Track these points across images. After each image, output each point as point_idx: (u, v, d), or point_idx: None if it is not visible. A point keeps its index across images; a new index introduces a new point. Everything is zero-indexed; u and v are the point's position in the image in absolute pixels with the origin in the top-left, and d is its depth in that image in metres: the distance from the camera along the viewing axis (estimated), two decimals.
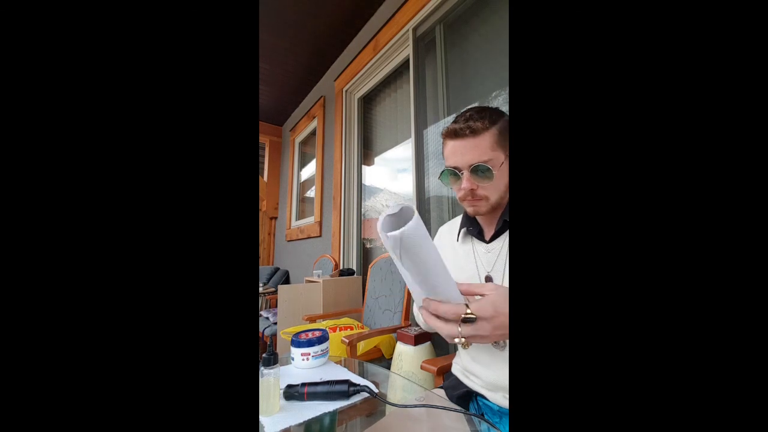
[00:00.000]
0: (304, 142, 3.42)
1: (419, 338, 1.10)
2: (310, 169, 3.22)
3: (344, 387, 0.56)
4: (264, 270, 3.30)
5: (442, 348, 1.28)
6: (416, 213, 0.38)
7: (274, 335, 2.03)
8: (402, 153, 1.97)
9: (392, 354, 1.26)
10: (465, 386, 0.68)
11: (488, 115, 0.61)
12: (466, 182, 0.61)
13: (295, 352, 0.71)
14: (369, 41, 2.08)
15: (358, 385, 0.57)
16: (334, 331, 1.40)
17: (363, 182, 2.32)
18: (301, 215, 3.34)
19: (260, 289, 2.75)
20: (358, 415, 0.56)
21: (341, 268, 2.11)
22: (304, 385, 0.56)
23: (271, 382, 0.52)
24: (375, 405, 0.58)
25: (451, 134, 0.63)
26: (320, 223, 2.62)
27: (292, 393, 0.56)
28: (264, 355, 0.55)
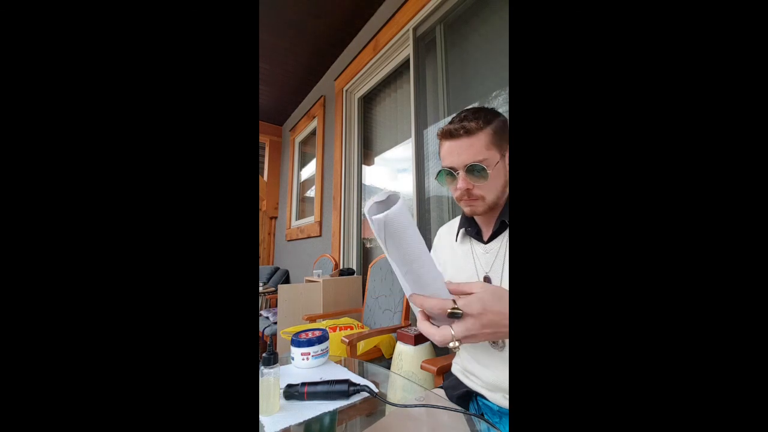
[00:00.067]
0: (304, 142, 3.42)
1: (419, 338, 1.10)
2: (310, 169, 3.22)
3: (344, 387, 0.56)
4: (264, 270, 3.30)
5: (442, 348, 1.28)
6: (401, 200, 0.38)
7: (274, 335, 2.03)
8: (402, 153, 1.97)
9: (392, 354, 1.26)
10: (465, 386, 0.68)
11: (483, 115, 0.62)
12: (461, 182, 0.61)
13: (295, 351, 0.71)
14: (369, 41, 2.08)
15: (358, 384, 0.57)
16: (334, 331, 1.40)
17: (363, 182, 2.32)
18: (301, 215, 3.34)
19: (260, 289, 2.75)
20: (358, 415, 0.56)
21: (341, 267, 2.11)
22: (304, 384, 0.56)
23: (271, 381, 0.52)
24: (375, 405, 0.58)
25: (446, 135, 0.63)
26: (320, 223, 2.62)
27: (292, 393, 0.56)
28: (264, 354, 0.55)
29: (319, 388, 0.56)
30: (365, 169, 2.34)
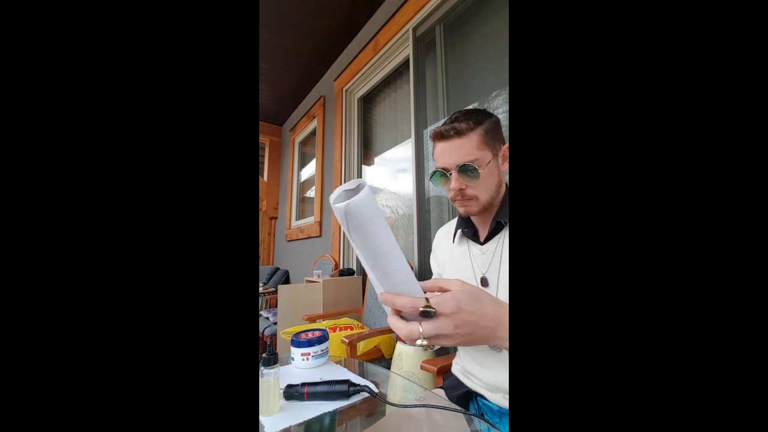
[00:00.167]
0: (304, 142, 3.42)
1: None
2: (310, 169, 3.22)
3: (344, 387, 0.56)
4: (264, 270, 3.30)
5: (442, 348, 1.28)
6: (368, 188, 0.35)
7: (274, 335, 2.03)
8: (402, 153, 1.96)
9: (392, 354, 1.26)
10: (465, 386, 0.68)
11: (474, 116, 0.63)
12: (454, 182, 0.62)
13: (295, 352, 0.71)
14: (369, 41, 2.08)
15: (358, 385, 0.57)
16: (334, 331, 1.40)
17: None
18: (301, 215, 3.34)
19: (260, 289, 2.75)
20: (358, 415, 0.56)
21: (341, 268, 2.11)
22: (304, 385, 0.56)
23: (271, 382, 0.52)
24: (375, 405, 0.58)
25: (438, 136, 0.65)
26: (320, 223, 2.62)
27: (292, 393, 0.56)
28: (264, 355, 0.55)
29: (319, 388, 0.56)
30: (365, 169, 2.34)
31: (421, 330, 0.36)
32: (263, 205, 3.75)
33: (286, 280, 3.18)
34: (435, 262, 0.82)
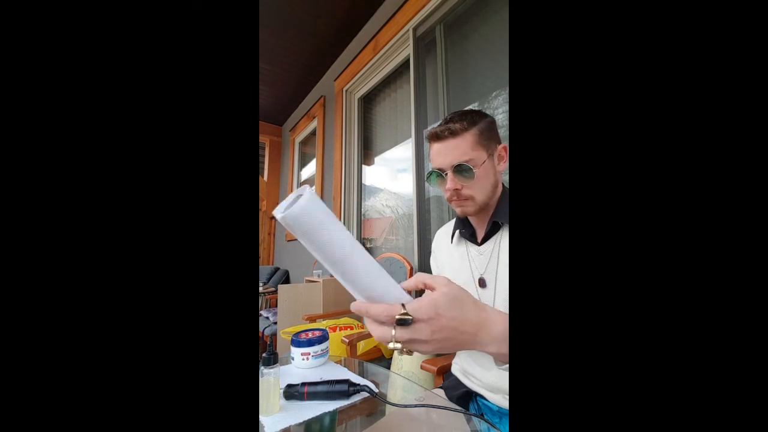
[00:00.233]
0: (304, 142, 3.42)
1: None
2: (310, 169, 3.22)
3: (344, 387, 0.56)
4: (264, 270, 3.30)
5: None
6: (309, 194, 0.33)
7: (274, 335, 2.03)
8: (402, 153, 1.96)
9: (392, 354, 1.26)
10: (465, 386, 0.68)
11: (468, 117, 0.63)
12: (450, 182, 0.62)
13: (295, 351, 0.71)
14: (369, 41, 2.08)
15: (358, 384, 0.57)
16: (334, 331, 1.40)
17: (363, 182, 2.32)
18: None
19: (260, 289, 2.75)
20: (358, 415, 0.56)
21: None
22: (304, 384, 0.56)
23: (271, 381, 0.52)
24: (375, 405, 0.58)
25: (433, 137, 0.65)
26: None
27: (292, 393, 0.56)
28: (264, 354, 0.55)
29: (319, 388, 0.56)
30: (365, 169, 2.34)
31: (393, 333, 0.34)
32: (263, 205, 3.75)
33: (286, 279, 3.18)
34: (434, 263, 0.82)
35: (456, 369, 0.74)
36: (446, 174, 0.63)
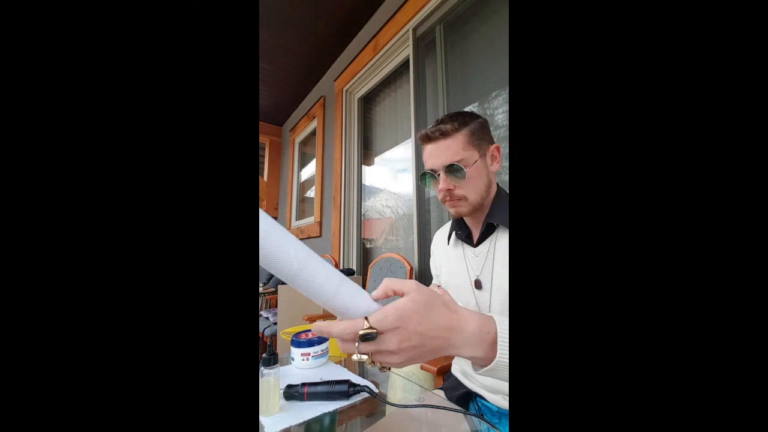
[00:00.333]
0: (304, 142, 3.42)
1: None
2: (310, 170, 3.22)
3: (344, 387, 0.56)
4: (264, 270, 3.29)
5: None
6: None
7: (274, 335, 2.03)
8: (402, 153, 1.96)
9: None
10: (465, 387, 0.68)
11: (459, 118, 0.63)
12: (442, 183, 0.63)
13: (295, 352, 0.71)
14: (369, 41, 2.08)
15: (358, 385, 0.57)
16: None
17: (363, 182, 2.32)
18: (301, 215, 3.34)
19: (260, 289, 2.75)
20: (358, 415, 0.56)
21: (341, 268, 2.11)
22: (304, 385, 0.56)
23: (271, 382, 0.52)
24: (375, 405, 0.58)
25: (424, 138, 0.65)
26: (320, 223, 2.62)
27: (292, 393, 0.56)
28: (264, 355, 0.55)
29: (320, 388, 0.56)
30: (365, 169, 2.34)
31: (356, 345, 0.33)
32: (263, 205, 3.75)
33: None
34: (433, 265, 0.82)
35: (456, 369, 0.74)
36: (439, 175, 0.63)
